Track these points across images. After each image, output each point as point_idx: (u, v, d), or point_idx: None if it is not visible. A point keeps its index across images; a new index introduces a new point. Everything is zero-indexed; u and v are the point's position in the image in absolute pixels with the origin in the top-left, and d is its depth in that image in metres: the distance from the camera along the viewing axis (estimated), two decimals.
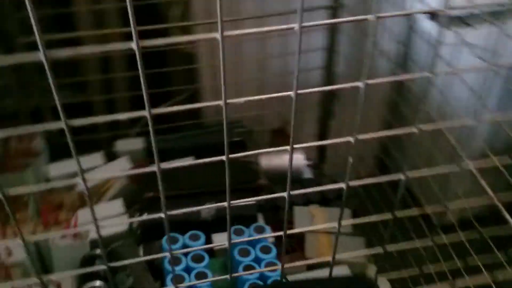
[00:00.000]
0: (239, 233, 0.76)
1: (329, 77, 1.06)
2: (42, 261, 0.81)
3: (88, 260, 0.77)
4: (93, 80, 1.26)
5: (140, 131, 1.11)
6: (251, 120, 1.14)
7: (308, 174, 1.07)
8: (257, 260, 0.73)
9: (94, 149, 1.02)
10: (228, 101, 0.34)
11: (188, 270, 0.70)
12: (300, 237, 0.90)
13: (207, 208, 0.86)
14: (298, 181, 1.01)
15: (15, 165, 0.89)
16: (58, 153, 1.02)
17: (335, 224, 0.95)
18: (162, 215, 0.35)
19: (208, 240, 0.83)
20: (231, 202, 0.57)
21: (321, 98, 1.12)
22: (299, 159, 1.02)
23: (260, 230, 0.77)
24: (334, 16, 1.02)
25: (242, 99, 0.35)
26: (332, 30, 1.04)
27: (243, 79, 1.11)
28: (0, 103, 0.95)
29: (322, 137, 1.18)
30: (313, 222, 0.92)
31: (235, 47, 1.08)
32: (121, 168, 0.96)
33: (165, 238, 0.75)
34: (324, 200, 1.00)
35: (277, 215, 0.97)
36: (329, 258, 0.65)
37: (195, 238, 0.75)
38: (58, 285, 0.71)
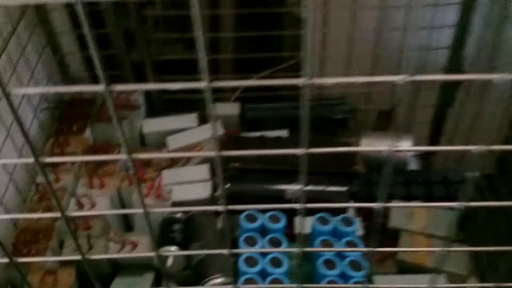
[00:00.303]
0: (323, 222, 0.69)
1: (456, 59, 0.92)
2: (124, 217, 0.81)
3: (167, 223, 0.75)
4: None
5: (237, 96, 1.06)
6: (357, 98, 1.04)
7: (414, 165, 0.95)
8: (341, 256, 0.65)
9: (190, 109, 1.00)
10: (309, 81, 0.26)
11: (263, 253, 0.65)
12: (394, 235, 0.80)
13: (292, 189, 0.79)
14: (401, 173, 0.90)
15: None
16: (155, 109, 1.01)
17: (439, 227, 0.84)
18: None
19: (290, 223, 0.77)
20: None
21: (441, 81, 0.99)
22: (406, 146, 0.91)
23: (348, 222, 0.69)
24: None
25: (328, 80, 0.27)
26: (466, 6, 0.90)
27: (356, 52, 1.00)
28: (104, 52, 0.95)
29: (436, 125, 1.05)
30: (412, 220, 0.81)
31: (351, 15, 0.97)
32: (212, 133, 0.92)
33: (244, 215, 0.70)
34: (429, 197, 0.88)
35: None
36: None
37: (275, 219, 0.69)
38: (134, 243, 0.70)
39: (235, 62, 1.31)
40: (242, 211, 0.75)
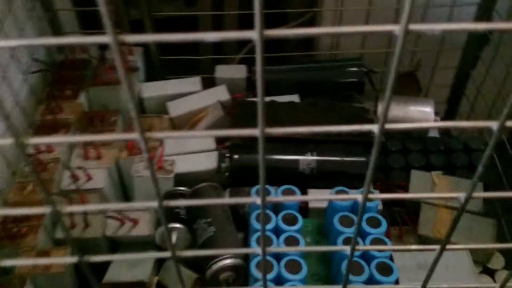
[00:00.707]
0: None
1: (485, 15, 0.84)
2: (123, 191, 0.75)
3: (171, 198, 0.70)
4: None
5: (243, 57, 0.99)
6: (375, 59, 0.96)
7: (435, 132, 0.89)
8: (362, 234, 0.60)
9: (193, 71, 0.93)
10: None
11: (277, 231, 0.59)
12: (415, 208, 0.75)
13: (306, 160, 0.73)
14: (420, 140, 0.84)
15: (108, 79, 0.82)
16: (155, 72, 0.94)
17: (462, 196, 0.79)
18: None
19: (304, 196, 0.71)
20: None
21: (466, 40, 0.91)
22: (427, 113, 0.84)
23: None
24: None
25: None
26: None
27: (377, 7, 0.92)
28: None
29: (457, 88, 0.98)
30: (434, 191, 0.76)
31: None
32: (217, 98, 0.85)
33: (255, 189, 0.64)
34: (450, 166, 0.82)
35: (388, 176, 0.82)
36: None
37: (289, 193, 0.63)
38: (134, 220, 0.65)
39: (240, 19, 1.22)
40: (252, 184, 0.69)
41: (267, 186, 0.64)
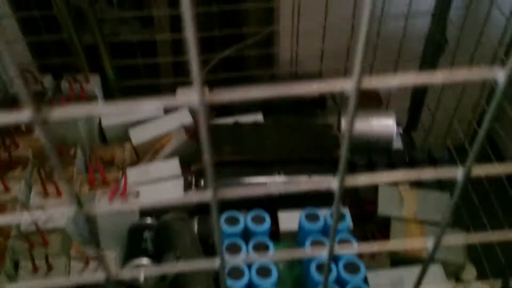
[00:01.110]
0: (312, 218, 0.62)
1: (439, 26, 0.85)
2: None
3: (137, 231, 0.67)
4: (160, 16, 1.12)
5: (206, 78, 0.97)
6: (335, 73, 0.97)
7: (398, 143, 0.90)
8: (334, 258, 0.59)
9: (154, 95, 0.91)
10: None
11: (249, 262, 0.58)
12: (385, 223, 0.75)
13: (273, 181, 0.72)
14: (385, 153, 0.84)
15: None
16: (113, 99, 0.91)
17: (430, 211, 0.79)
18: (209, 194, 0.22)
19: (274, 219, 0.70)
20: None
21: (423, 49, 0.92)
22: (389, 125, 0.85)
23: (340, 216, 0.63)
24: None
25: None
26: None
27: (334, 21, 0.92)
28: (55, 36, 0.84)
29: (417, 97, 0.99)
30: (403, 206, 0.76)
31: None
32: (180, 122, 0.84)
33: (223, 217, 0.62)
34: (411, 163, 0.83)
35: (356, 191, 0.82)
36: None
37: (259, 220, 0.62)
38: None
39: (201, 40, 1.20)
40: (221, 209, 0.67)
41: (236, 213, 0.63)
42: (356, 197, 0.81)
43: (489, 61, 0.86)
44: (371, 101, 0.90)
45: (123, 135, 0.84)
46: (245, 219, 0.62)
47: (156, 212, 0.71)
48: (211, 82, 0.95)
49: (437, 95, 0.94)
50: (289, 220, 0.70)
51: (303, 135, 0.81)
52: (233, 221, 0.61)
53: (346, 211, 0.66)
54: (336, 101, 0.92)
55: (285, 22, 0.95)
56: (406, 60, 0.96)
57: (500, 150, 1.07)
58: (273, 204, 0.72)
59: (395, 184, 0.79)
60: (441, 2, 0.85)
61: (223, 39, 0.96)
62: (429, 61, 0.93)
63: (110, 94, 0.90)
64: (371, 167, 0.84)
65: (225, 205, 0.68)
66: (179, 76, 0.99)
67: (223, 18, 1.09)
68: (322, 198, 0.73)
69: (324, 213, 0.63)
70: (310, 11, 0.89)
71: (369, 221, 0.76)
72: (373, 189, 0.79)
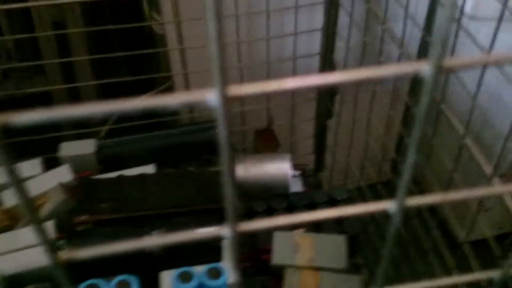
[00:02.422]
0: (185, 278, 0.56)
1: (327, 66, 0.84)
2: None
3: None
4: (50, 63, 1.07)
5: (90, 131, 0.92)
6: (232, 118, 0.93)
7: (297, 186, 0.86)
8: None
9: (33, 152, 0.84)
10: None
11: None
12: (279, 273, 0.70)
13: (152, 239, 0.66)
14: (283, 197, 0.81)
15: None
16: None
17: (327, 257, 0.75)
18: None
19: (154, 281, 0.64)
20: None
21: (317, 92, 0.91)
22: (284, 168, 0.82)
23: (216, 273, 0.57)
24: None
25: None
26: (331, 5, 0.83)
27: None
28: None
29: (319, 139, 0.97)
30: (298, 253, 0.71)
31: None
32: (59, 179, 0.77)
33: (84, 285, 0.55)
34: (315, 222, 0.79)
35: (254, 240, 0.77)
36: None
37: (124, 286, 0.55)
38: None
39: (98, 87, 1.16)
40: (91, 275, 0.60)
41: (98, 281, 0.56)
42: (253, 247, 0.76)
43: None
44: (267, 145, 0.87)
45: None
46: (108, 286, 0.56)
47: (22, 283, 0.63)
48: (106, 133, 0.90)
49: (344, 134, 0.92)
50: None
51: (192, 185, 0.76)
52: None
53: (225, 267, 0.61)
54: (234, 147, 0.89)
55: (176, 69, 0.92)
56: (302, 104, 0.94)
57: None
58: (154, 264, 0.66)
59: (291, 229, 0.75)
60: (326, 43, 0.84)
61: (124, 86, 0.91)
62: (324, 104, 0.91)
63: None
64: (270, 212, 0.80)
65: (90, 271, 0.61)
66: (62, 130, 0.93)
67: (122, 64, 1.05)
68: (209, 253, 0.67)
69: (199, 271, 0.58)
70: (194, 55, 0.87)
71: (264, 272, 0.71)
72: (272, 235, 0.75)
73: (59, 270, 0.20)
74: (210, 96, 0.16)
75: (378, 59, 0.73)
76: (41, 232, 0.20)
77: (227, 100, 0.16)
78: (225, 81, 0.16)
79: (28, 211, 0.19)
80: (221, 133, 0.17)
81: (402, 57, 0.69)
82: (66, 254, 0.20)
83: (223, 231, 0.19)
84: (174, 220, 0.69)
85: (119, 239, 0.62)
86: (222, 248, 0.68)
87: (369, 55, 0.78)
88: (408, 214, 0.68)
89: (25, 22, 1.08)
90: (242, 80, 0.87)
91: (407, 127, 0.69)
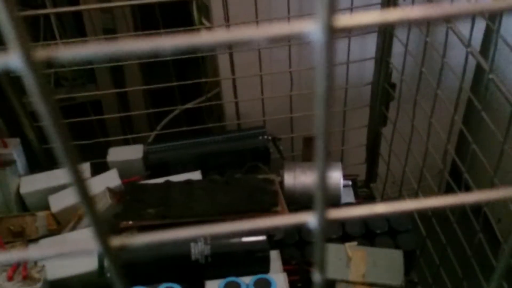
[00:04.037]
0: None
1: (382, 70, 0.80)
2: None
3: None
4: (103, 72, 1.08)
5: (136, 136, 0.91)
6: (279, 125, 0.91)
7: (348, 197, 0.82)
8: None
9: (85, 157, 0.84)
10: None
11: None
12: (329, 286, 0.66)
13: (198, 247, 0.64)
14: (336, 206, 0.77)
15: None
16: (37, 163, 0.84)
17: (380, 272, 0.71)
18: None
19: None
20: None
21: (370, 97, 0.87)
22: (336, 177, 0.78)
23: (264, 284, 0.54)
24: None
25: None
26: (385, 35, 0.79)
27: (272, 78, 0.88)
28: None
29: (372, 147, 0.93)
30: (349, 268, 0.67)
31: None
32: (106, 184, 0.76)
33: None
34: (368, 234, 0.75)
35: (303, 252, 0.74)
36: None
37: None
38: None
39: (146, 94, 1.16)
40: (139, 283, 0.59)
41: None
42: (302, 259, 0.72)
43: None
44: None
45: (46, 203, 0.76)
46: None
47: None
48: (168, 135, 0.89)
49: (397, 143, 0.87)
50: None
51: (239, 192, 0.74)
52: None
53: (276, 277, 0.57)
54: (281, 153, 0.86)
55: (227, 81, 0.91)
56: (354, 110, 0.90)
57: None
58: (199, 272, 0.63)
59: (344, 240, 0.71)
60: (382, 46, 0.80)
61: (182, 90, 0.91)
62: (378, 110, 0.87)
63: (34, 157, 0.83)
64: None
65: (136, 278, 0.59)
66: (110, 135, 0.93)
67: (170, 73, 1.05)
68: (254, 263, 0.65)
69: (246, 282, 0.55)
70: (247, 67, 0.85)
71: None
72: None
73: (111, 257, 0.19)
74: (312, 27, 0.13)
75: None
76: (95, 218, 0.18)
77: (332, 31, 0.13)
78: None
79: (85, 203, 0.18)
80: (323, 71, 0.14)
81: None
82: (118, 241, 0.18)
83: (309, 218, 0.16)
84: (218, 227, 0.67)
85: (163, 245, 0.60)
86: (269, 259, 0.65)
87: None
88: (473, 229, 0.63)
89: (77, 28, 1.10)
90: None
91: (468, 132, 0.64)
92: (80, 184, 0.17)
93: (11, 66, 0.14)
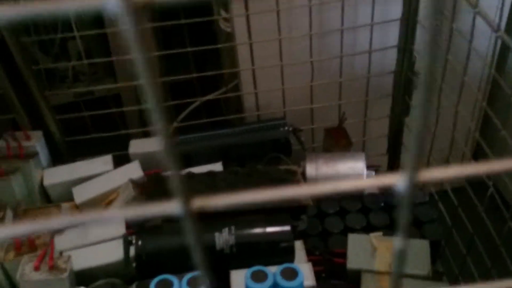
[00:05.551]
0: (259, 278, 0.53)
1: (406, 59, 0.79)
2: None
3: None
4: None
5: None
6: (300, 116, 0.90)
7: (372, 188, 0.81)
8: None
9: (106, 150, 0.84)
10: None
11: None
12: (355, 277, 0.65)
13: (223, 237, 0.64)
14: (359, 198, 0.76)
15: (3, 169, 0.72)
16: (60, 155, 0.85)
17: (408, 262, 0.70)
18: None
19: (226, 280, 0.61)
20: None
21: (392, 86, 0.86)
22: (359, 168, 0.77)
23: (291, 274, 0.54)
24: None
25: None
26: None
27: (291, 69, 0.87)
28: None
29: (394, 137, 0.91)
30: (375, 256, 0.67)
31: (283, 21, 0.84)
32: (129, 176, 0.76)
33: (154, 282, 0.54)
34: (393, 225, 0.74)
35: (326, 243, 0.73)
36: None
37: (194, 284, 0.53)
38: None
39: (167, 86, 1.16)
40: (164, 272, 0.59)
41: (170, 276, 0.54)
42: (325, 250, 0.72)
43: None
44: (338, 144, 0.83)
45: (69, 195, 0.76)
46: (180, 282, 0.54)
47: (95, 278, 0.63)
48: (187, 127, 0.89)
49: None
50: (242, 279, 0.61)
51: (260, 183, 0.73)
52: (165, 284, 0.53)
53: (301, 267, 0.57)
54: (303, 144, 0.85)
55: (246, 72, 0.90)
56: (376, 99, 0.89)
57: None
58: (224, 262, 0.63)
59: (368, 231, 0.70)
60: (406, 34, 0.79)
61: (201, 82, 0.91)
62: (401, 99, 0.86)
63: (56, 149, 0.83)
64: (342, 214, 0.76)
65: (160, 267, 0.59)
66: (130, 128, 0.93)
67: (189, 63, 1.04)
68: (278, 253, 0.64)
69: (273, 271, 0.54)
70: (265, 52, 0.85)
71: (339, 276, 0.67)
72: (345, 238, 0.70)
73: (192, 220, 0.18)
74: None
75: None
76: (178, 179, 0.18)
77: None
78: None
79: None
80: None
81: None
82: (198, 202, 0.18)
83: (397, 179, 0.17)
84: (242, 218, 0.67)
85: (186, 233, 0.59)
86: (294, 249, 0.65)
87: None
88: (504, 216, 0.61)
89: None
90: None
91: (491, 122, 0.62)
92: (169, 144, 0.17)
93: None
